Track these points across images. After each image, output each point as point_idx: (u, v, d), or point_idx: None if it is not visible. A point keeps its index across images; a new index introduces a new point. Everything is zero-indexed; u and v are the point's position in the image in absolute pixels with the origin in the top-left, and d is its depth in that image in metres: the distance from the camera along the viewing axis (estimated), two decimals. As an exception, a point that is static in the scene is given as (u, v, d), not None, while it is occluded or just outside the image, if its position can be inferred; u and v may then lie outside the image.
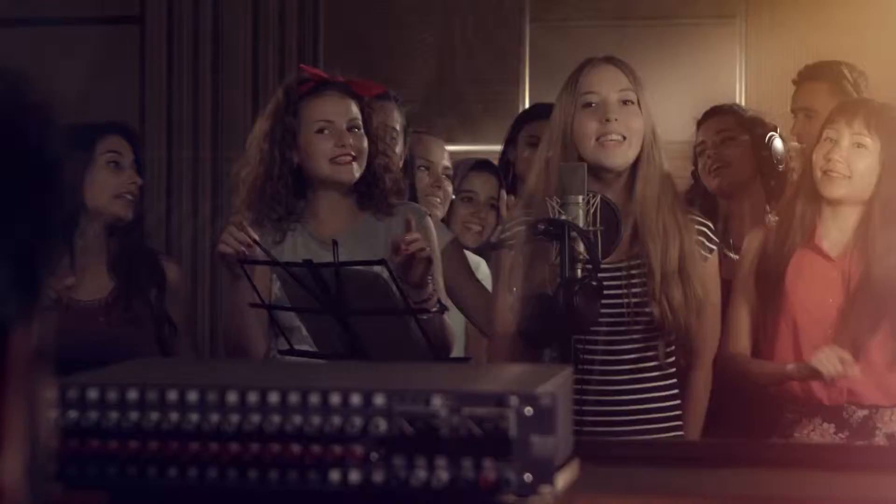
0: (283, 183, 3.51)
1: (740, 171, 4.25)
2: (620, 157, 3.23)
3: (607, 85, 3.27)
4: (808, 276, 3.62)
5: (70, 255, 3.74)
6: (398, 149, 3.94)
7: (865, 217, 3.60)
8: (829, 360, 3.45)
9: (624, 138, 3.23)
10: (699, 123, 4.35)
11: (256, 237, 3.29)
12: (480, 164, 4.45)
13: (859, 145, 3.58)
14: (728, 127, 4.29)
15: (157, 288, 3.80)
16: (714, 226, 3.52)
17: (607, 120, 3.22)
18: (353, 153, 3.50)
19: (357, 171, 3.51)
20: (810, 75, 4.65)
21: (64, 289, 3.68)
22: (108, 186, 3.76)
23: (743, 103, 5.68)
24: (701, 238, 3.34)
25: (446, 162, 4.31)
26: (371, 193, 3.54)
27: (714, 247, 3.38)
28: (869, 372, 3.56)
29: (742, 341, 3.66)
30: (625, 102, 3.26)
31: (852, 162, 3.57)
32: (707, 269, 3.34)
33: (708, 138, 4.28)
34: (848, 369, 3.44)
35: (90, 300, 3.74)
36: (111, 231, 3.79)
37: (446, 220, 4.30)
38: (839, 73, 4.58)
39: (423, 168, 4.24)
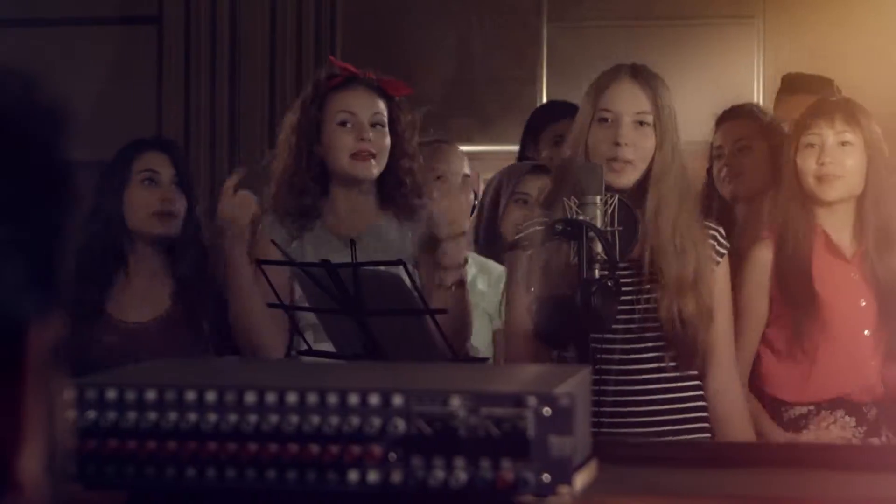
0: (310, 175, 3.51)
1: (754, 179, 4.16)
2: (625, 179, 3.17)
3: (624, 105, 3.21)
4: (831, 280, 3.61)
5: (125, 275, 3.72)
6: None
7: (860, 213, 3.60)
8: None
9: (632, 161, 3.20)
10: (717, 123, 4.29)
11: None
12: (538, 168, 4.36)
13: (845, 143, 3.59)
14: (746, 134, 4.19)
15: (215, 317, 3.71)
16: (729, 230, 3.48)
17: (617, 144, 3.18)
18: (373, 150, 3.48)
19: (376, 168, 3.50)
20: (805, 88, 4.57)
21: (116, 308, 3.67)
22: (143, 205, 3.71)
23: (761, 103, 5.66)
24: (712, 242, 3.29)
25: (466, 170, 4.20)
26: (393, 194, 3.53)
27: (725, 251, 3.31)
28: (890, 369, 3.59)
29: (744, 371, 3.61)
30: (641, 124, 3.21)
31: (842, 160, 3.58)
32: (718, 276, 3.27)
33: (725, 144, 4.20)
34: None
35: (141, 321, 3.71)
36: (168, 251, 3.75)
37: (495, 225, 4.24)
38: (832, 90, 4.50)
39: (440, 178, 4.09)
